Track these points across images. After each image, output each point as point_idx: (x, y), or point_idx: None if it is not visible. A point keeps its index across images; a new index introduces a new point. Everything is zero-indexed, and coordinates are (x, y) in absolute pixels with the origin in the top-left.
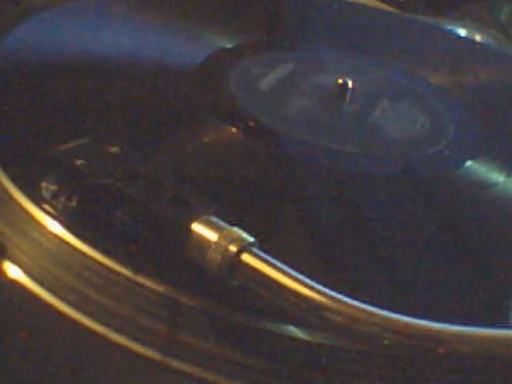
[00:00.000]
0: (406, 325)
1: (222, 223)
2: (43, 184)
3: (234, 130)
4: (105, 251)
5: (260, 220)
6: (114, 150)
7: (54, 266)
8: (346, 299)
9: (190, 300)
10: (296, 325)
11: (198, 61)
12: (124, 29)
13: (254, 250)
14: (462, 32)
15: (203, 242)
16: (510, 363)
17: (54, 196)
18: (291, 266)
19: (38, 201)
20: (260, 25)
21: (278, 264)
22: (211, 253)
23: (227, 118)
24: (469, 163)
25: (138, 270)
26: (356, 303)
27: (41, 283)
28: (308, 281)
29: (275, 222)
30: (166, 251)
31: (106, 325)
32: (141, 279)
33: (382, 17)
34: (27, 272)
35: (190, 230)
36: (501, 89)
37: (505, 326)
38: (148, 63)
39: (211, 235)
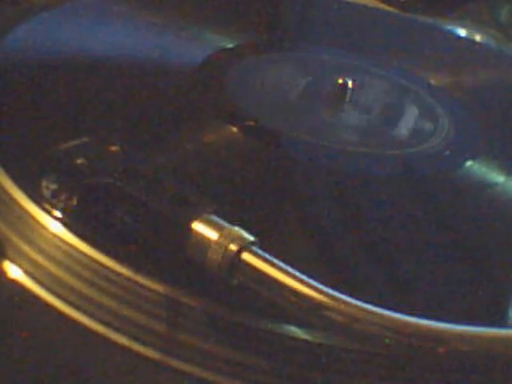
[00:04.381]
0: (406, 324)
1: (222, 222)
2: (43, 183)
3: (234, 129)
4: (105, 251)
5: (260, 219)
6: (114, 149)
7: (54, 266)
8: (346, 298)
9: (190, 300)
10: (296, 324)
11: (198, 61)
12: (124, 29)
13: (255, 249)
14: (462, 32)
15: (203, 241)
16: (510, 363)
17: (55, 195)
18: (291, 265)
19: (38, 200)
20: (260, 25)
21: (279, 263)
22: (211, 252)
23: (227, 118)
24: (469, 163)
25: (137, 269)
26: (356, 302)
27: (41, 283)
28: (308, 280)
29: (275, 221)
30: (166, 251)
31: (106, 325)
32: (141, 279)
33: (382, 17)
34: (27, 272)
35: (190, 230)
36: (501, 89)
37: (505, 326)
38: (148, 63)
39: (211, 234)
